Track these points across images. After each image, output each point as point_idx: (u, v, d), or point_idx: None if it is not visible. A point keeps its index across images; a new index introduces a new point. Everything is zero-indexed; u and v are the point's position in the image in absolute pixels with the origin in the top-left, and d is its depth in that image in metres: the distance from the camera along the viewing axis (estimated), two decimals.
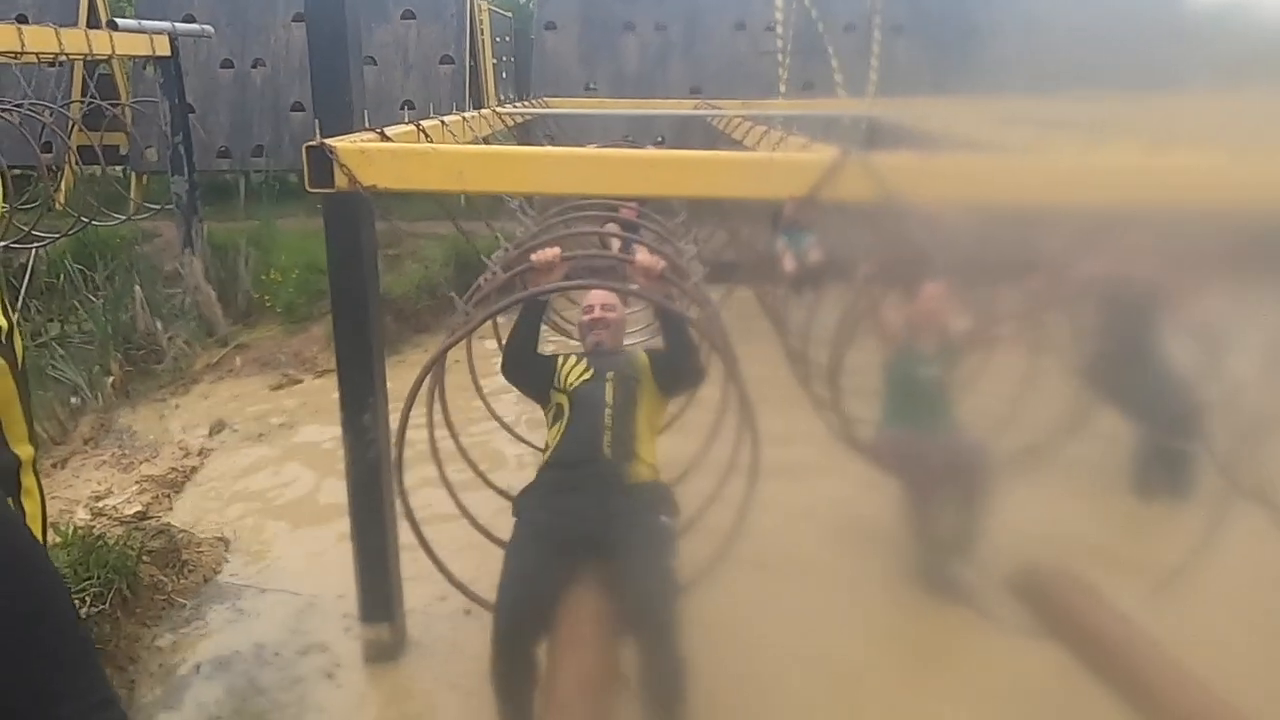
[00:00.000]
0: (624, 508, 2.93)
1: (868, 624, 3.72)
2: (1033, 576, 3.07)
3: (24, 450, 0.92)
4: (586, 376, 3.21)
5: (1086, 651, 2.81)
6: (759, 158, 2.60)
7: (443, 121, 3.80)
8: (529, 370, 3.26)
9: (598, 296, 3.38)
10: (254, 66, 10.66)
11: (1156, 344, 4.42)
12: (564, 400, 3.19)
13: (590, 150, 2.62)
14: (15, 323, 0.90)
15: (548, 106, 8.23)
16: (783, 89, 9.61)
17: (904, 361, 3.84)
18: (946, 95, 7.91)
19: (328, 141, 2.57)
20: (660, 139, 10.25)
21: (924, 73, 9.94)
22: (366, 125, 3.04)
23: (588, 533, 2.91)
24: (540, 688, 2.68)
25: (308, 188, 2.61)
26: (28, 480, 0.91)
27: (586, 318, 3.41)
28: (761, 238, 6.14)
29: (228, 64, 10.63)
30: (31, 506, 0.91)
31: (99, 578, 3.58)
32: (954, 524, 3.74)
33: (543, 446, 3.33)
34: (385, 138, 2.94)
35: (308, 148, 2.57)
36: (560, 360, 3.31)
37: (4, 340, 0.88)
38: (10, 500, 0.89)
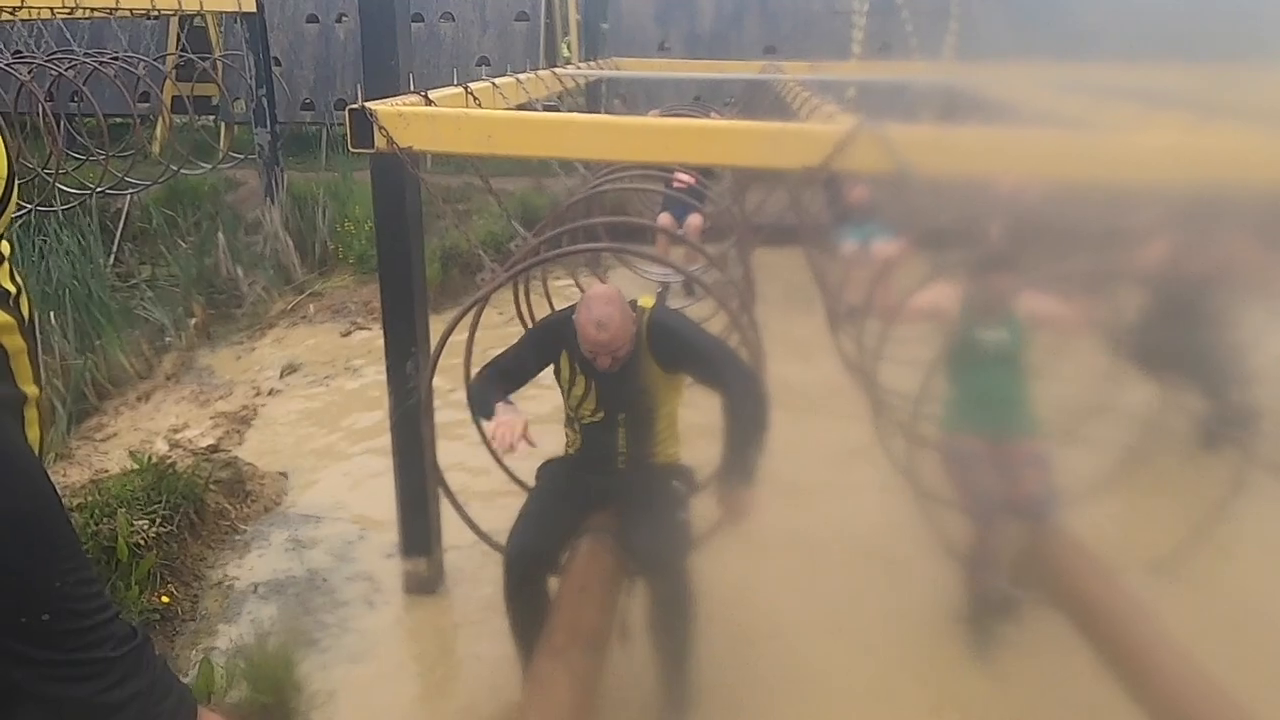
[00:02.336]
0: (642, 477, 3.06)
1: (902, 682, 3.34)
2: (1036, 541, 3.11)
3: (30, 389, 1.08)
4: (597, 418, 2.96)
5: (1080, 619, 2.87)
6: (772, 128, 2.68)
7: (494, 84, 3.94)
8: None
9: (597, 336, 2.72)
10: (338, 21, 10.97)
11: (1215, 315, 4.36)
12: (574, 424, 3.04)
13: (612, 118, 2.74)
14: (21, 287, 1.09)
15: (617, 68, 8.30)
16: (856, 50, 9.49)
17: (965, 328, 3.39)
18: (1022, 60, 7.71)
19: (368, 105, 2.74)
20: (730, 100, 10.24)
21: (1002, 36, 9.66)
22: (412, 88, 3.21)
23: (604, 488, 3.06)
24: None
25: (350, 148, 2.80)
26: (30, 414, 1.09)
27: (588, 351, 2.81)
28: (816, 203, 6.14)
29: (313, 19, 10.96)
30: (32, 435, 1.10)
31: (168, 502, 3.91)
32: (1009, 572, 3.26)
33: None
34: (428, 101, 3.10)
35: (350, 110, 2.76)
36: (562, 364, 2.95)
37: (11, 303, 1.07)
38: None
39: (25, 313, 1.08)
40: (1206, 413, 4.62)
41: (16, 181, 1.07)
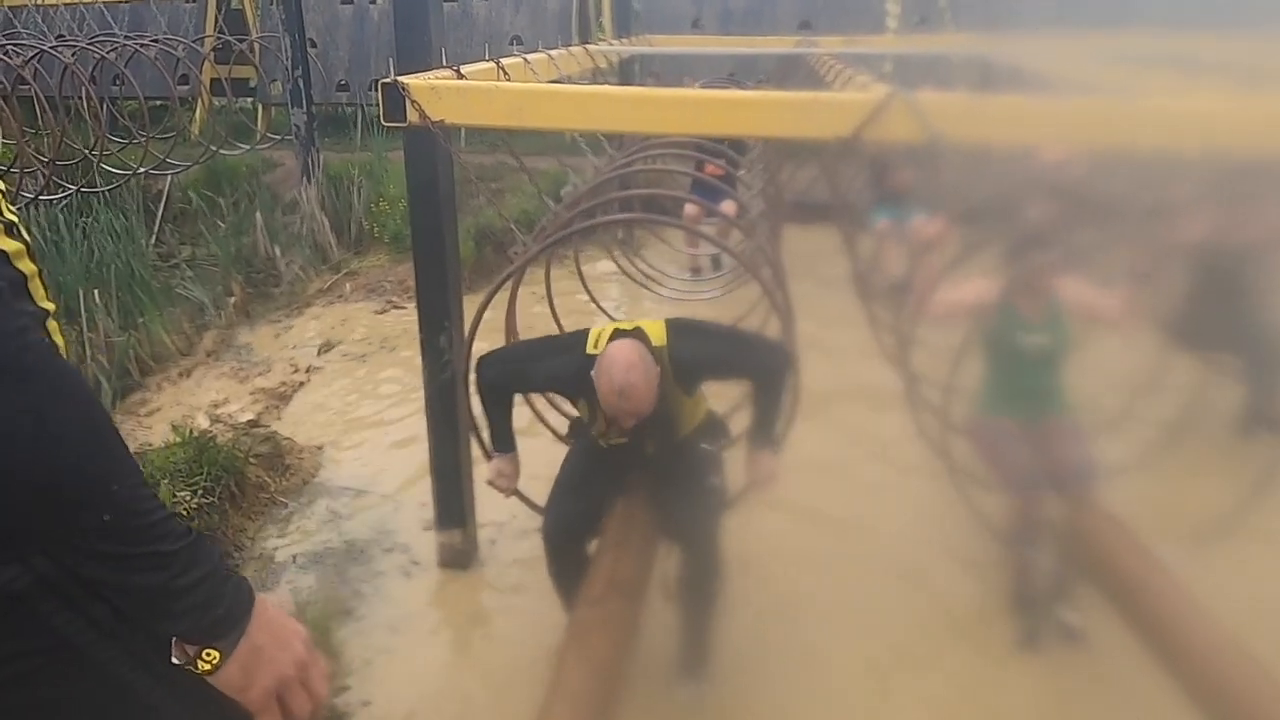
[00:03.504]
0: (672, 452, 3.06)
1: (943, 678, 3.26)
2: (1071, 513, 3.08)
3: (49, 305, 1.19)
4: (620, 441, 2.93)
5: (1114, 593, 2.85)
6: (804, 97, 2.66)
7: (525, 59, 3.94)
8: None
9: (620, 405, 2.63)
10: (372, 2, 11.02)
11: (1262, 290, 4.28)
12: (601, 445, 3.02)
13: (642, 90, 2.74)
14: (18, 217, 1.17)
15: (650, 44, 8.26)
16: (892, 24, 9.35)
17: (1003, 328, 3.34)
18: (1060, 31, 7.56)
19: (400, 79, 2.76)
20: (764, 77, 10.15)
21: (1042, 5, 9.47)
22: (444, 63, 3.23)
23: (638, 457, 3.08)
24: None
25: (383, 121, 2.82)
26: (52, 326, 1.19)
27: (609, 414, 2.74)
28: (850, 177, 6.07)
29: (348, 0, 11.02)
30: (58, 341, 1.20)
31: (209, 474, 3.99)
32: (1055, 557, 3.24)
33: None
34: (460, 75, 3.12)
35: (383, 84, 2.78)
36: (580, 407, 2.97)
37: (17, 231, 1.16)
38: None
39: (27, 238, 1.17)
40: (1248, 391, 4.54)
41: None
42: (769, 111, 2.63)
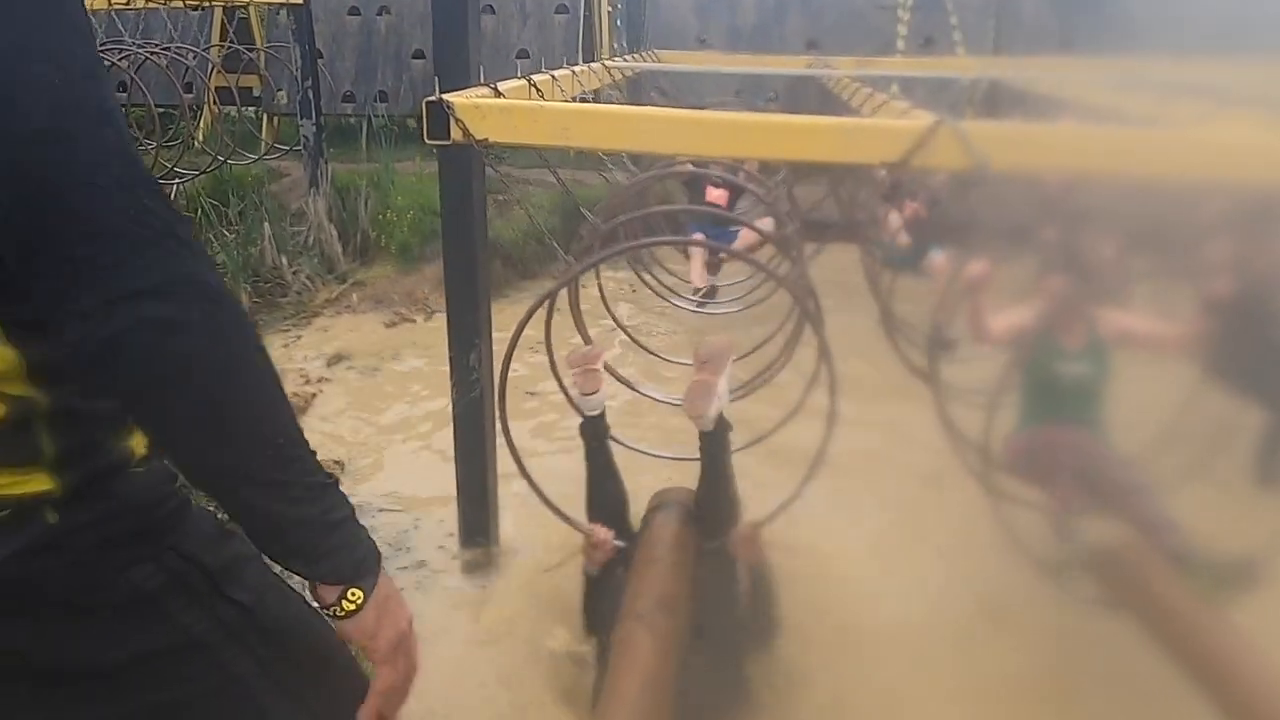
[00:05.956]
0: None
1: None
2: (1108, 546, 3.08)
3: None
4: None
5: (1155, 624, 2.85)
6: (850, 123, 2.67)
7: (553, 76, 3.94)
8: None
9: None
10: (379, 14, 11.01)
11: None
12: None
13: (688, 112, 2.74)
14: None
15: (660, 61, 8.28)
16: (901, 46, 9.41)
17: (1041, 357, 3.28)
18: (1072, 55, 7.64)
19: (446, 97, 2.76)
20: (774, 95, 10.19)
21: (1052, 30, 9.56)
22: (481, 80, 3.22)
23: None
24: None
25: (425, 140, 2.81)
26: None
27: None
28: (870, 201, 6.06)
29: (355, 11, 11.01)
30: None
31: None
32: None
33: None
34: (498, 93, 3.11)
35: (427, 103, 2.77)
36: None
37: None
38: None
39: None
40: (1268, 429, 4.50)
41: None
42: (814, 136, 2.63)
